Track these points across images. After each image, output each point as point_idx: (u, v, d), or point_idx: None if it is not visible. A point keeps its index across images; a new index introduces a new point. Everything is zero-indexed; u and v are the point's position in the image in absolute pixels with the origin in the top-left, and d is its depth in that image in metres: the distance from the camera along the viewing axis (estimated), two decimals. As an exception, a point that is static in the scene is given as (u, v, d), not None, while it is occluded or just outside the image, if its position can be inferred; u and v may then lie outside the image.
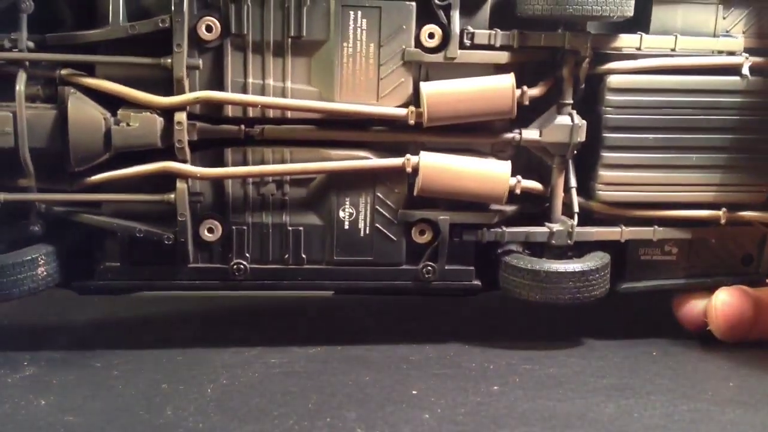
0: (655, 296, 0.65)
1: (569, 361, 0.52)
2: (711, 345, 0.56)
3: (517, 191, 0.51)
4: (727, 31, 0.53)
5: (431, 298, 0.57)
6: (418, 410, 0.44)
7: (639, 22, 0.51)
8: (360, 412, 0.44)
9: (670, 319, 0.62)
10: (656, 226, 0.54)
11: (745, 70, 0.52)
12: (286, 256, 0.51)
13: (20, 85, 0.47)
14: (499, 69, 0.50)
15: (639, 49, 0.51)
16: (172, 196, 0.49)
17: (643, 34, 0.51)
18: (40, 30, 0.48)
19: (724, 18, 0.53)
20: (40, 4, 0.47)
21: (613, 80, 0.51)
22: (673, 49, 0.51)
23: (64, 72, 0.48)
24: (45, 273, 0.49)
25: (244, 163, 0.50)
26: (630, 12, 0.49)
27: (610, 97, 0.51)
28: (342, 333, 0.56)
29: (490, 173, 0.50)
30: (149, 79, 0.48)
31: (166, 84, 0.48)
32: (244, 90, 0.49)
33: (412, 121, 0.49)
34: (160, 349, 0.52)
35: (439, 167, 0.50)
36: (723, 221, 0.54)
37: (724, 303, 0.53)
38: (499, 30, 0.50)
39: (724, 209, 0.54)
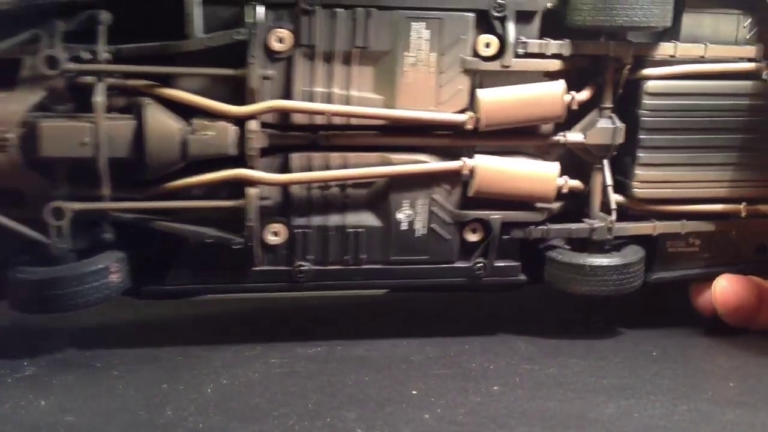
0: (655, 296, 0.65)
1: (569, 361, 0.52)
2: (711, 345, 0.56)
3: (565, 190, 0.54)
4: (747, 39, 0.55)
5: (431, 297, 0.58)
6: (418, 410, 0.44)
7: (669, 31, 0.54)
8: (360, 412, 0.44)
9: (671, 319, 0.62)
10: (684, 221, 0.56)
11: (766, 75, 0.54)
12: (346, 257, 0.53)
13: (99, 96, 0.47)
14: (547, 76, 0.52)
15: (673, 56, 0.54)
16: (242, 201, 0.49)
17: (678, 43, 0.53)
18: (112, 41, 0.48)
19: (744, 27, 0.55)
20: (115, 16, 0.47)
21: (651, 85, 0.53)
22: (702, 56, 0.54)
23: (139, 82, 0.48)
24: (118, 279, 0.49)
25: (309, 168, 0.51)
26: (669, 22, 0.52)
27: (647, 101, 0.53)
28: (342, 333, 0.56)
29: (540, 174, 0.53)
30: (219, 89, 0.49)
31: (233, 92, 0.49)
32: (311, 98, 0.50)
33: (470, 127, 0.51)
34: (160, 349, 0.52)
35: (494, 169, 0.52)
36: (743, 214, 0.56)
37: (722, 288, 0.56)
38: (550, 39, 0.52)
39: (744, 203, 0.56)
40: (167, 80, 0.49)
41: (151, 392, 0.45)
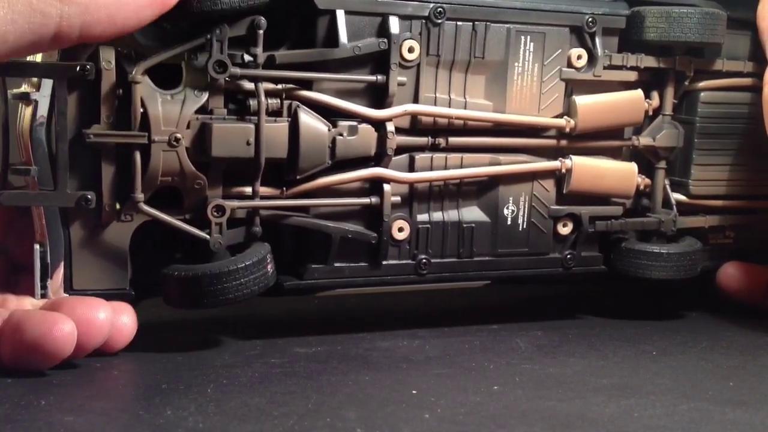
0: (653, 296, 0.65)
1: (569, 361, 0.52)
2: (711, 345, 0.56)
3: (642, 187, 0.60)
4: None
5: (431, 298, 0.58)
6: (418, 410, 0.44)
7: (713, 49, 0.61)
8: (360, 412, 0.44)
9: (670, 319, 0.62)
10: (726, 215, 0.63)
11: None
12: (461, 250, 0.57)
13: (261, 99, 0.50)
14: (623, 85, 0.59)
15: (720, 70, 0.61)
16: (376, 199, 0.54)
17: (725, 59, 0.61)
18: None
19: None
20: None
21: (705, 95, 0.61)
22: (741, 71, 0.61)
23: (290, 87, 0.51)
24: (272, 271, 0.52)
25: (431, 168, 0.55)
26: (723, 39, 0.59)
27: (702, 110, 0.61)
28: (342, 333, 0.56)
29: (623, 172, 0.59)
30: (354, 94, 0.53)
31: (365, 97, 0.53)
32: (434, 103, 0.55)
33: (568, 130, 0.57)
34: (160, 349, 0.52)
35: (587, 168, 0.58)
36: None
37: (724, 273, 0.63)
38: (629, 53, 0.58)
39: None
40: (310, 85, 0.52)
41: (151, 392, 0.45)
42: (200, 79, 0.49)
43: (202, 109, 0.50)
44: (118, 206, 0.50)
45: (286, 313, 0.61)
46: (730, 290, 0.63)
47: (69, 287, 0.50)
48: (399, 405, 0.45)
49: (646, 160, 0.61)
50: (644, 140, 0.60)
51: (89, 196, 0.48)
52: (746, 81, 0.61)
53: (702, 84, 0.61)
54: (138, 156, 0.49)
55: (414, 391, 0.47)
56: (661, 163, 0.61)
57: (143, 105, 0.48)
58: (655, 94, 0.60)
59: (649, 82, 0.60)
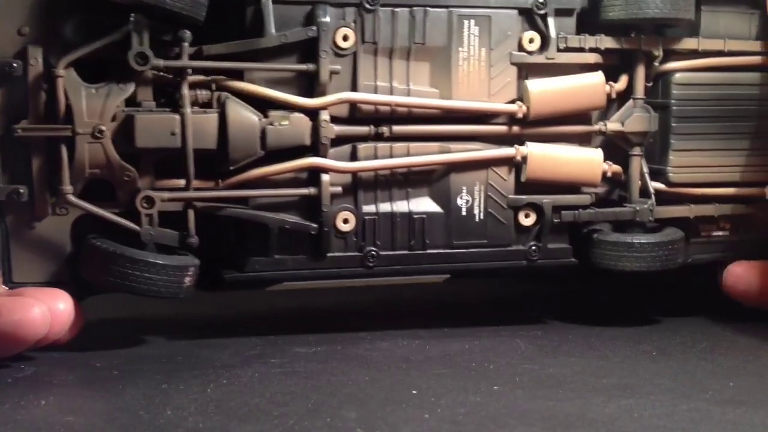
0: (653, 296, 0.65)
1: (569, 361, 0.52)
2: (711, 345, 0.56)
3: (609, 175, 0.58)
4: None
5: (431, 298, 0.58)
6: (418, 410, 0.44)
7: (691, 28, 0.59)
8: (360, 412, 0.44)
9: (670, 319, 0.62)
10: (716, 204, 0.60)
11: None
12: (412, 242, 0.55)
13: (185, 90, 0.50)
14: (584, 68, 0.57)
15: (696, 50, 0.58)
16: (314, 189, 0.53)
17: (701, 38, 0.58)
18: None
19: (757, 24, 0.60)
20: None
21: (679, 76, 0.58)
22: (721, 50, 0.58)
23: (219, 77, 0.52)
24: (190, 283, 0.51)
25: (375, 157, 0.54)
26: (692, 15, 0.57)
27: (677, 91, 0.58)
28: (342, 333, 0.56)
29: (586, 159, 0.57)
30: (288, 83, 0.53)
31: (301, 87, 0.53)
32: (374, 92, 0.54)
33: (520, 116, 0.55)
34: (160, 349, 0.52)
35: (544, 155, 0.56)
36: None
37: (731, 274, 0.60)
38: (587, 35, 0.56)
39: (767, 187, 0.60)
40: (242, 75, 0.52)
41: (151, 392, 0.45)
42: (126, 71, 0.50)
43: (131, 102, 0.50)
44: (54, 200, 0.50)
45: (286, 313, 0.61)
46: (736, 292, 0.59)
47: (9, 280, 0.50)
48: (399, 405, 0.45)
49: (621, 146, 0.59)
50: (612, 125, 0.57)
51: (21, 190, 0.49)
52: (727, 60, 0.59)
53: (676, 65, 0.58)
54: (64, 149, 0.49)
55: (414, 391, 0.47)
56: (635, 149, 0.58)
57: (67, 98, 0.49)
58: (623, 77, 0.58)
59: (618, 64, 0.58)
